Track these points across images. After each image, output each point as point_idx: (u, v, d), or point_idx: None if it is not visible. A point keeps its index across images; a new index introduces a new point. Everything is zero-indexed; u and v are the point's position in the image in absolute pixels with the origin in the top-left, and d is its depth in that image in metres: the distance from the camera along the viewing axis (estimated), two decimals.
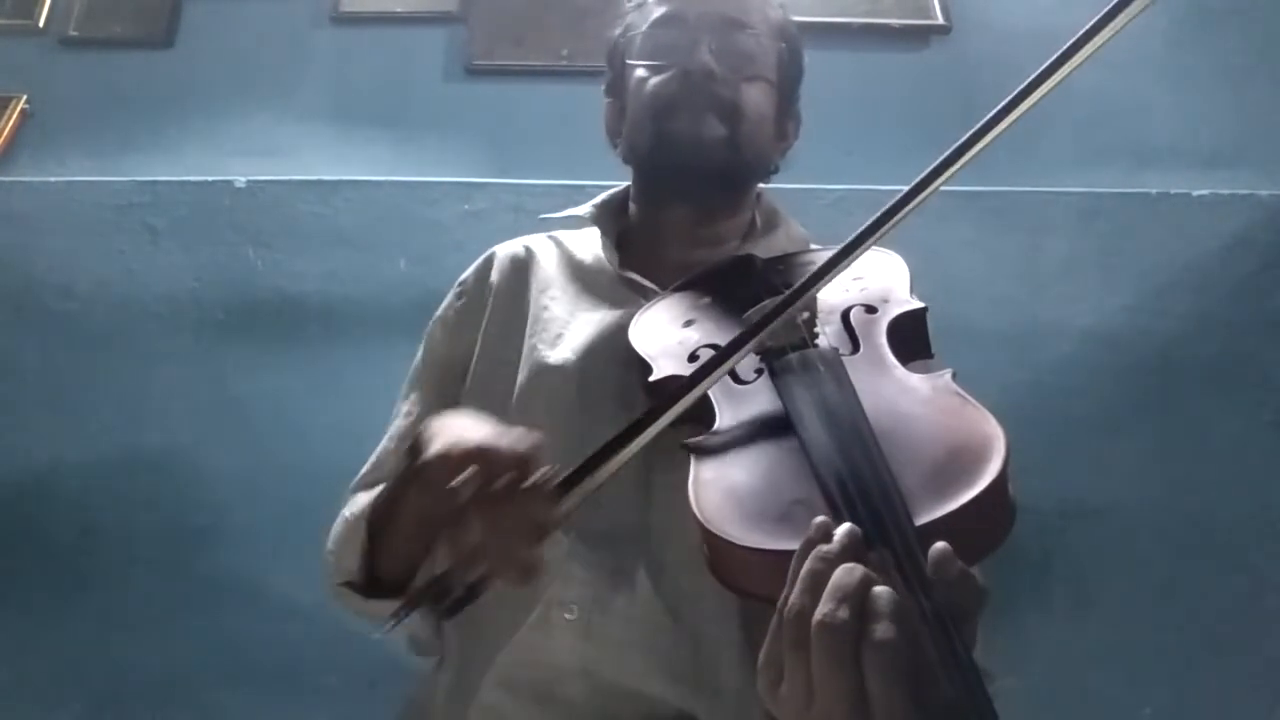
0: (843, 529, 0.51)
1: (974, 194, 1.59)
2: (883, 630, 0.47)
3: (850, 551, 0.50)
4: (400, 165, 1.71)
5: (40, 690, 1.42)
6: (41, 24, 1.86)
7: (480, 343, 0.96)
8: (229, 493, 1.50)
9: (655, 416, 0.66)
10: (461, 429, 0.68)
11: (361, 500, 0.89)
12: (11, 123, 1.76)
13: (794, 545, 0.54)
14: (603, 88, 1.05)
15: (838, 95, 1.57)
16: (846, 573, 0.49)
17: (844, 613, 0.48)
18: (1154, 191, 1.61)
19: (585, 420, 0.84)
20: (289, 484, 1.47)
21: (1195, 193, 1.60)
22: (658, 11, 0.97)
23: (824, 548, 0.51)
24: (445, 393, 0.96)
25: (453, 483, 0.61)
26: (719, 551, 0.59)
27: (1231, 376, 1.52)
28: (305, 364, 1.56)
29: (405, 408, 0.99)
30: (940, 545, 0.50)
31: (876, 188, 1.49)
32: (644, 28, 0.97)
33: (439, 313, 1.03)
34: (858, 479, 0.56)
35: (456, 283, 1.04)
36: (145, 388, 1.55)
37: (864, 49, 1.71)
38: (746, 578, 0.59)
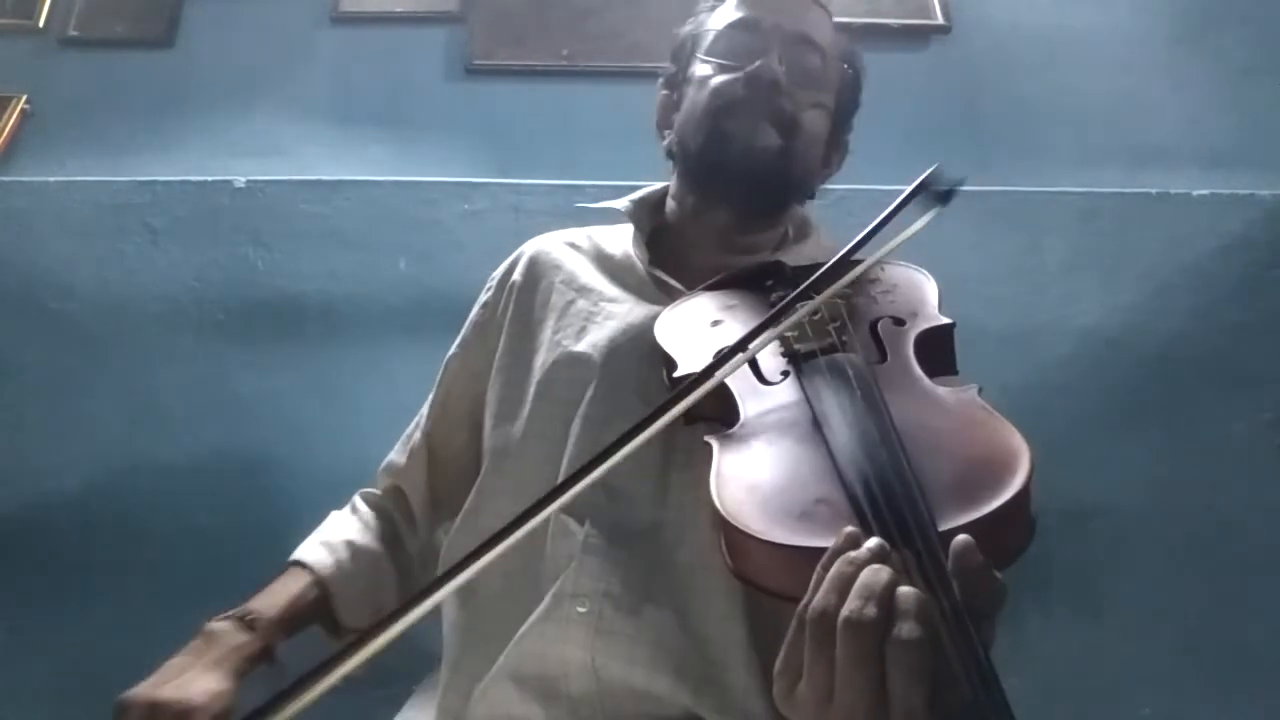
0: (872, 541, 0.52)
1: (974, 194, 1.59)
2: (908, 629, 0.47)
3: (878, 559, 0.51)
4: (400, 165, 1.70)
5: (40, 690, 1.42)
6: (41, 24, 1.86)
7: (503, 342, 0.98)
8: (229, 492, 1.50)
9: (664, 410, 0.66)
10: (161, 679, 0.77)
11: (327, 524, 0.99)
12: (11, 123, 1.76)
13: (815, 543, 0.54)
14: (660, 79, 1.05)
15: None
16: (874, 573, 0.50)
17: (871, 610, 0.48)
18: (1154, 191, 1.61)
19: (604, 411, 0.85)
20: (289, 483, 1.48)
21: (1195, 193, 1.60)
22: (734, 15, 0.97)
23: (852, 554, 0.51)
24: (450, 414, 1.02)
25: None
26: (737, 545, 0.60)
27: (1231, 376, 1.52)
28: (305, 364, 1.56)
29: (420, 419, 1.04)
30: (962, 537, 0.50)
31: (876, 188, 1.49)
32: (718, 27, 0.97)
33: (467, 321, 1.05)
34: (882, 481, 0.56)
35: (487, 282, 1.06)
36: (145, 388, 1.55)
37: (864, 49, 1.71)
38: (763, 573, 0.59)
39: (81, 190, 1.64)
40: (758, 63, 0.91)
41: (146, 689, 0.75)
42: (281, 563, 0.95)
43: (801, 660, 0.51)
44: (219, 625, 0.82)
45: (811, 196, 1.02)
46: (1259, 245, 1.57)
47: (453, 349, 1.03)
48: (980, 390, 0.66)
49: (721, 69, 0.94)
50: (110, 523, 1.49)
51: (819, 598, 0.51)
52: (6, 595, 1.47)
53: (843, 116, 1.02)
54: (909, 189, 0.78)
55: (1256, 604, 1.45)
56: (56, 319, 1.58)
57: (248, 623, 0.83)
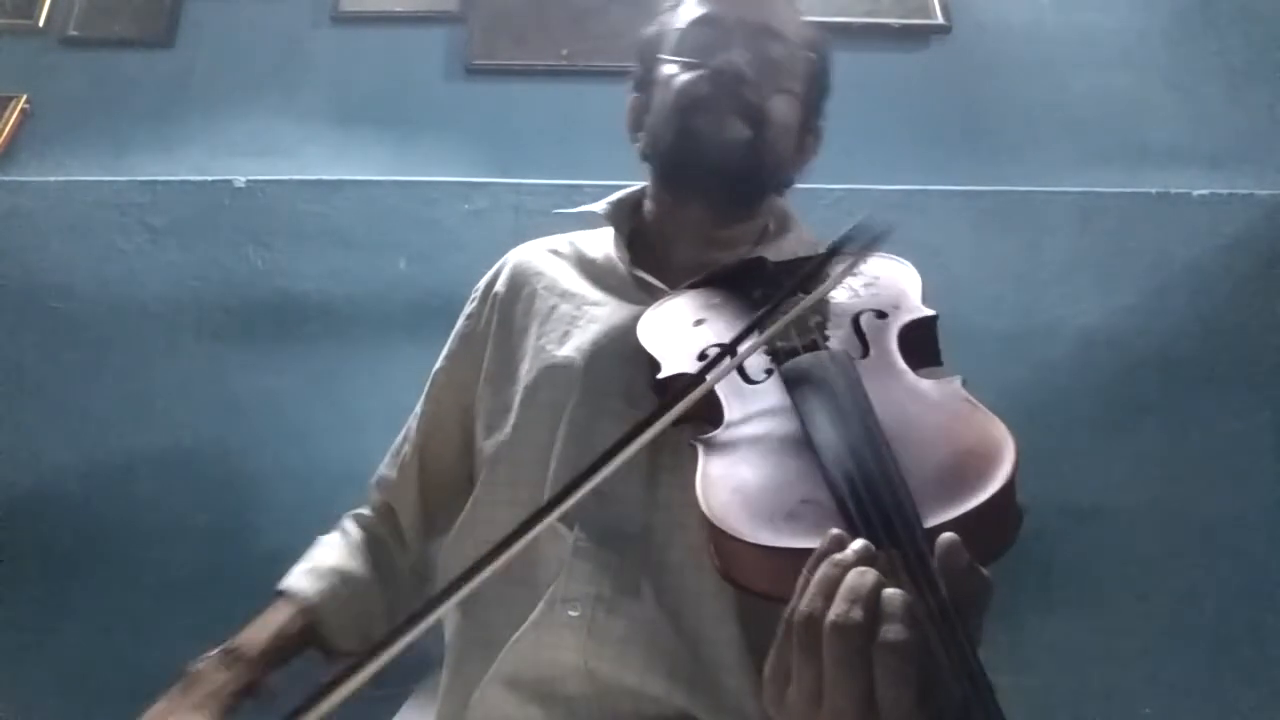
0: (857, 543, 0.52)
1: (974, 194, 1.59)
2: (895, 632, 0.47)
3: (864, 561, 0.51)
4: (400, 165, 1.71)
5: (40, 691, 1.42)
6: (41, 24, 1.86)
7: (489, 352, 0.97)
8: (229, 492, 1.50)
9: (655, 418, 0.66)
10: None
11: (315, 550, 0.98)
12: (11, 123, 1.76)
13: (801, 544, 0.54)
14: (630, 83, 1.04)
15: (837, 95, 1.56)
16: (859, 575, 0.49)
17: (857, 613, 0.48)
18: (1154, 191, 1.61)
19: (588, 414, 0.85)
20: (289, 483, 1.48)
21: (1195, 193, 1.60)
22: (695, 12, 0.97)
23: (837, 555, 0.51)
24: (440, 426, 1.01)
25: None
26: (725, 548, 0.59)
27: (1231, 376, 1.52)
28: (305, 364, 1.56)
29: (409, 431, 1.04)
30: (948, 535, 0.50)
31: (876, 188, 1.49)
32: (680, 25, 0.97)
33: (453, 333, 1.05)
34: (867, 479, 0.56)
35: (471, 295, 1.05)
36: (145, 388, 1.55)
37: (864, 49, 1.71)
38: (752, 575, 0.59)
39: (81, 190, 1.64)
40: (721, 58, 0.91)
41: None
42: (279, 563, 0.95)
43: (790, 664, 0.51)
44: (200, 666, 0.83)
45: (789, 185, 1.02)
46: (1259, 245, 1.57)
47: (439, 362, 1.03)
48: (964, 381, 0.65)
49: (686, 67, 0.94)
50: (110, 521, 1.49)
51: (805, 602, 0.50)
52: (5, 594, 1.47)
53: (813, 102, 1.01)
54: (842, 234, 0.78)
55: (1257, 603, 1.45)
56: (56, 318, 1.58)
57: (230, 660, 0.83)
